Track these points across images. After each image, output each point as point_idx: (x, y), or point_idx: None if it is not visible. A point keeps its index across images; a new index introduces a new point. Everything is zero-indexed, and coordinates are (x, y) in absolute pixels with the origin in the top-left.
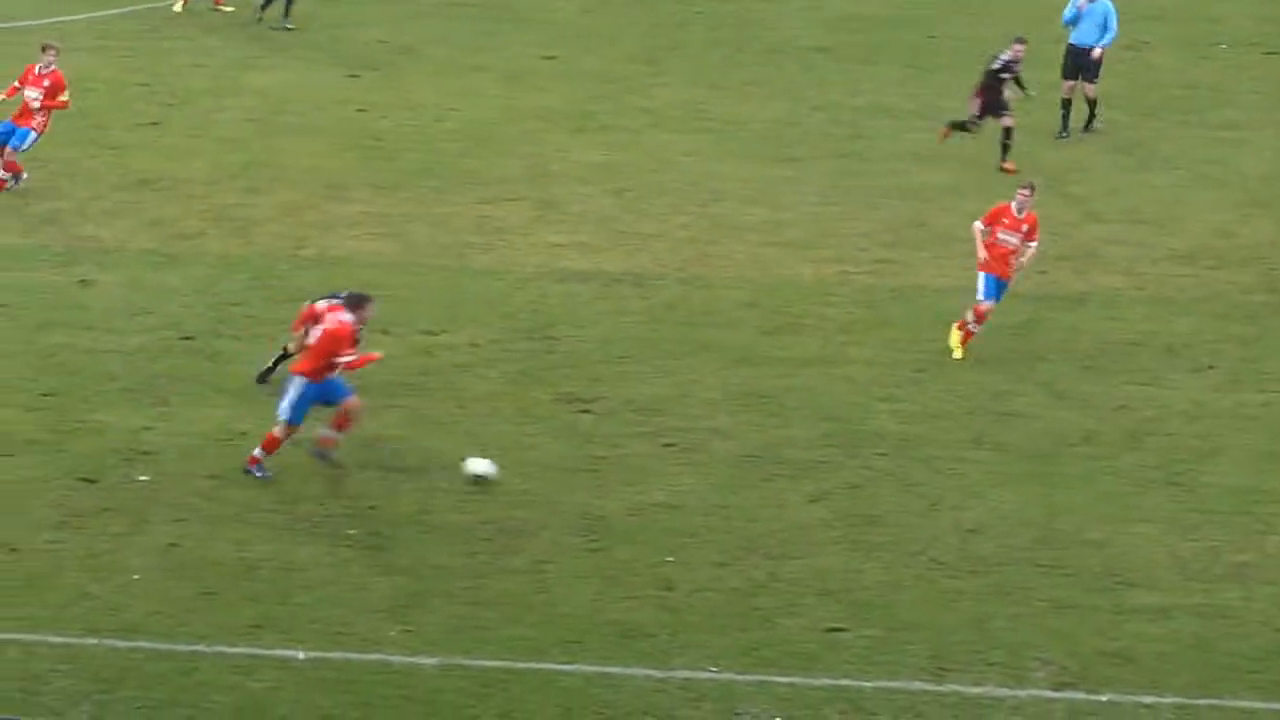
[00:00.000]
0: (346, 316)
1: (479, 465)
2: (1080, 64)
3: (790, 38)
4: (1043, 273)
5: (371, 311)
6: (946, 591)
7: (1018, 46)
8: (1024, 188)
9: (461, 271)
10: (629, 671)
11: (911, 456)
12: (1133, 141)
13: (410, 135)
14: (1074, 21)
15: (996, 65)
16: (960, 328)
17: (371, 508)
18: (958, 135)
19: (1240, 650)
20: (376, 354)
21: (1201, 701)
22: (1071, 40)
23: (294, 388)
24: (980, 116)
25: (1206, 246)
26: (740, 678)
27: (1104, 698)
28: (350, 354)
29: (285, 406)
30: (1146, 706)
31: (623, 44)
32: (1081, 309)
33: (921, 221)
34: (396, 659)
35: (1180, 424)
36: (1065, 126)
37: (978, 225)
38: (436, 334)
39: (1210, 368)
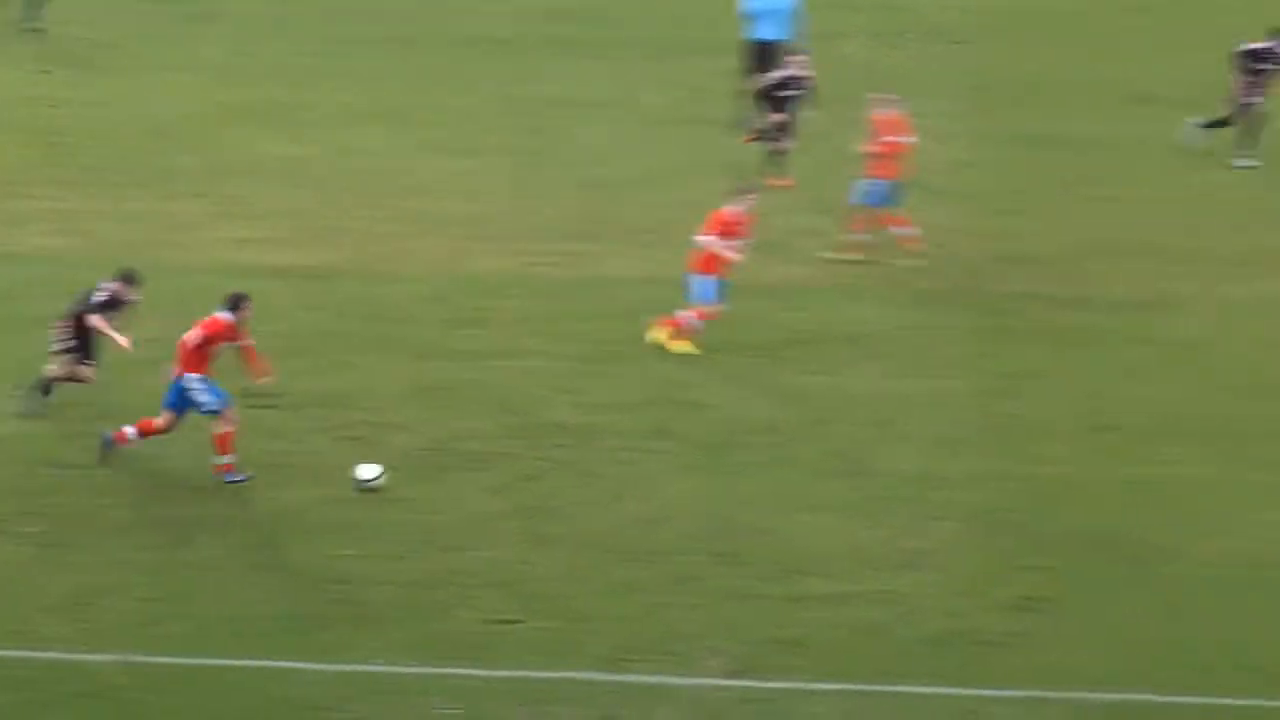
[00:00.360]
0: (225, 315)
1: (368, 471)
2: (765, 57)
3: (478, 30)
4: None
5: (250, 311)
6: (624, 582)
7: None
8: (747, 192)
9: (147, 268)
10: (306, 665)
11: (592, 448)
12: (822, 132)
13: (100, 131)
14: (756, 15)
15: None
16: (669, 325)
17: (49, 505)
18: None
19: (914, 636)
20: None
21: (875, 688)
22: (759, 35)
23: (195, 384)
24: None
25: (889, 236)
26: (416, 670)
27: (776, 685)
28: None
29: (206, 402)
30: (818, 693)
31: (313, 37)
32: (766, 299)
33: (606, 213)
34: (75, 656)
35: (858, 411)
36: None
37: (710, 239)
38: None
39: (886, 357)
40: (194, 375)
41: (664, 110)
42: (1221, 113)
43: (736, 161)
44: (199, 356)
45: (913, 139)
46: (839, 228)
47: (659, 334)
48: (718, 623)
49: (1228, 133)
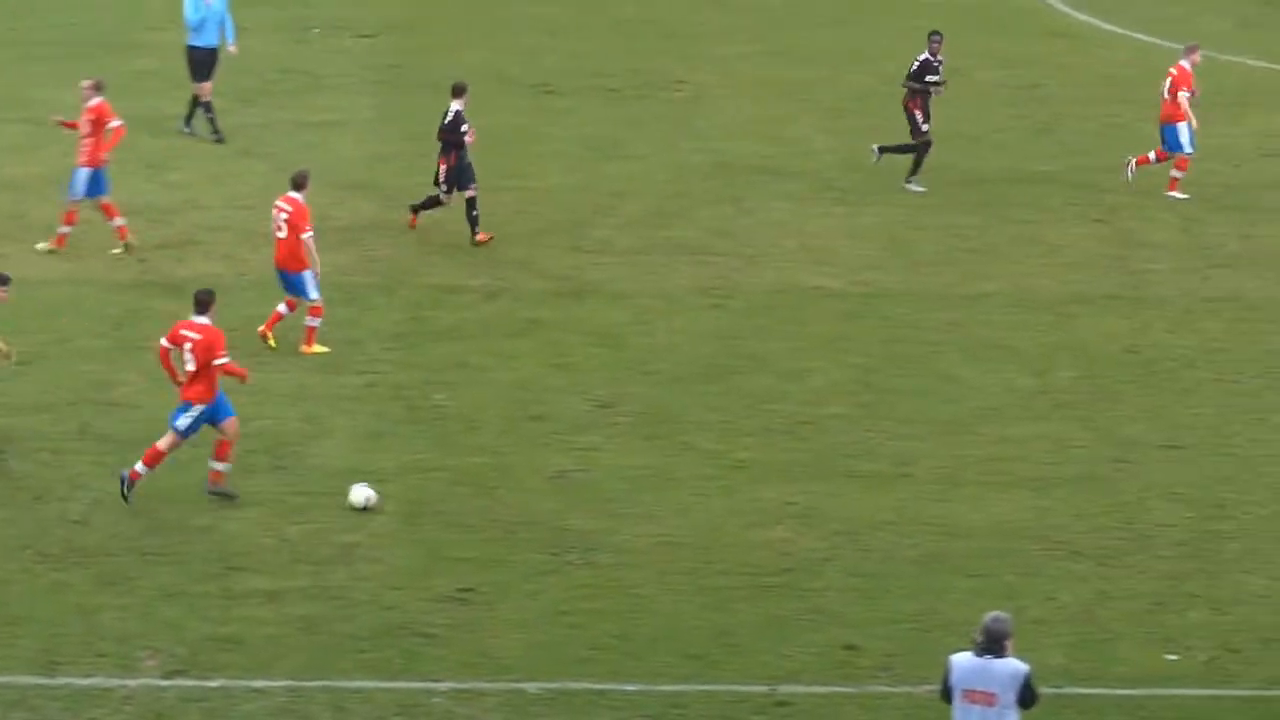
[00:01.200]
0: (204, 319)
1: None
2: (205, 64)
3: None
4: (143, 260)
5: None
6: (53, 584)
7: (455, 102)
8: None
9: None
10: None
11: (16, 450)
12: (233, 128)
13: None
14: (199, 26)
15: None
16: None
17: None
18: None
19: (349, 630)
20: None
21: (312, 683)
22: (197, 43)
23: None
24: (448, 190)
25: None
26: None
27: (215, 683)
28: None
29: (182, 423)
30: (257, 690)
31: None
32: (181, 296)
33: (20, 213)
34: None
35: (284, 408)
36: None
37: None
38: None
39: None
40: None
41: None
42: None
43: (149, 154)
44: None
45: (118, 123)
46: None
47: (307, 349)
48: (152, 623)
49: None
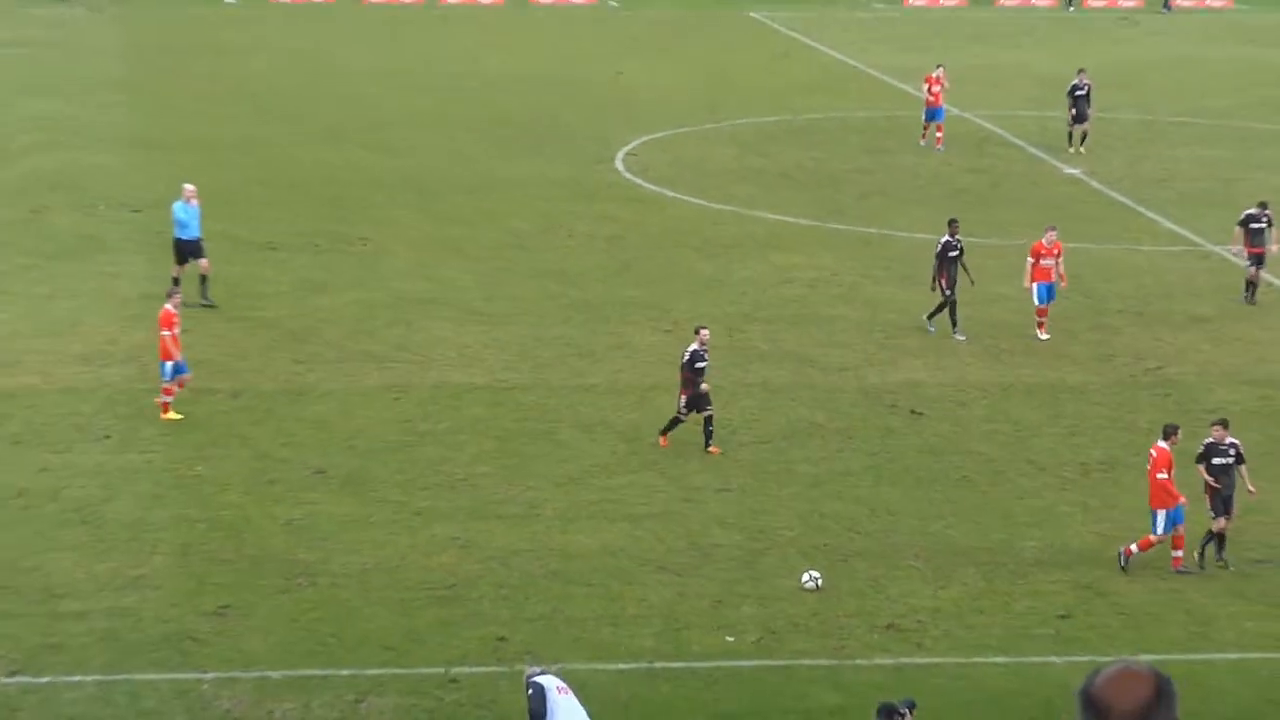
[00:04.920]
0: None
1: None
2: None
3: None
4: None
5: None
6: None
7: (703, 333)
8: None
9: None
10: None
11: None
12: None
13: None
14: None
15: (687, 359)
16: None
17: None
18: None
19: (139, 638)
20: None
21: (114, 677)
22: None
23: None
24: (687, 412)
25: (99, 350)
26: None
27: (44, 680)
28: None
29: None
30: (74, 684)
31: None
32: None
33: None
34: None
35: (85, 478)
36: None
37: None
38: None
39: (107, 437)
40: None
41: None
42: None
43: None
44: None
45: None
46: None
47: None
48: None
49: None
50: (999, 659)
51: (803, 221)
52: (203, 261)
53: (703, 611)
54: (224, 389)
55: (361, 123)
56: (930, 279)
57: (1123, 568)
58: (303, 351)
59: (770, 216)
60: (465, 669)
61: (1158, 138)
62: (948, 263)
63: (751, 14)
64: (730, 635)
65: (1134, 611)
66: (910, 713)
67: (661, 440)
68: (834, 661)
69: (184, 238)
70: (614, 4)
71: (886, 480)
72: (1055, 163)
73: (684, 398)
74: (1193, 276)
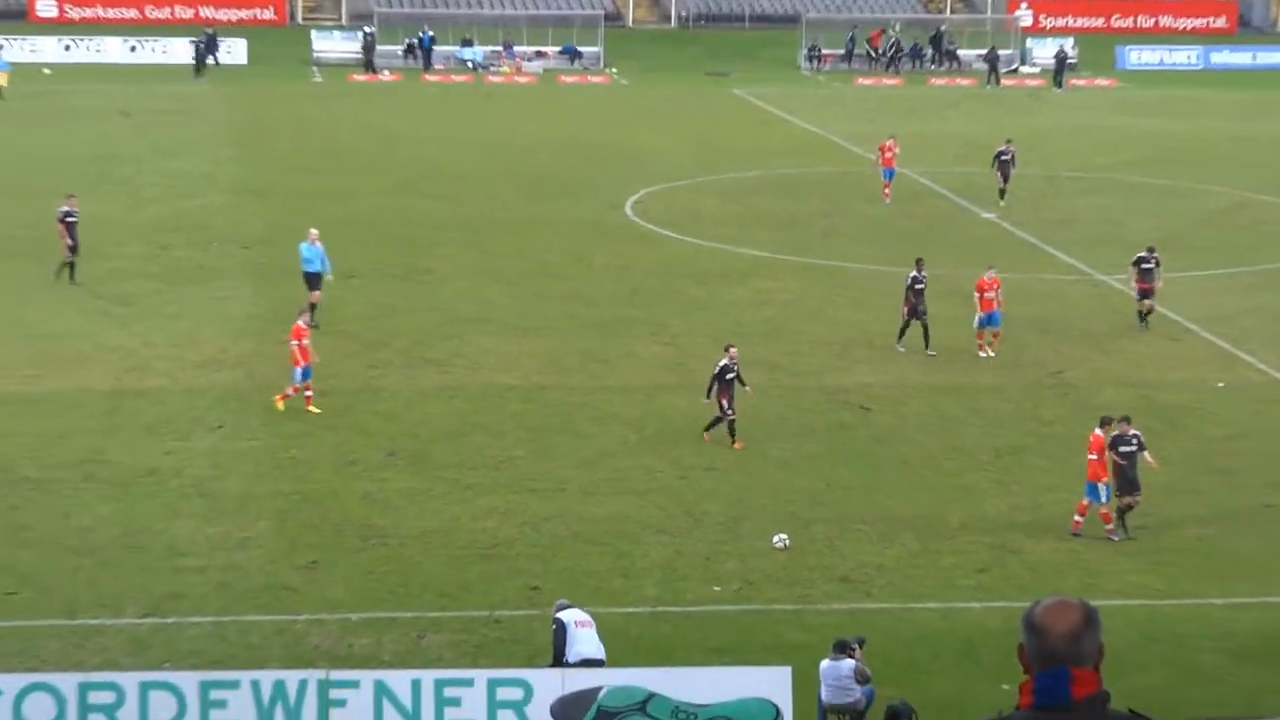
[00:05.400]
0: None
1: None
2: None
3: None
4: None
5: None
6: None
7: (732, 351)
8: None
9: None
10: None
11: None
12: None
13: None
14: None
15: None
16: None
17: None
18: None
19: (247, 588)
20: None
21: (228, 619)
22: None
23: None
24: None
25: (213, 359)
26: None
27: (169, 620)
28: None
29: None
30: (194, 624)
31: None
32: None
33: None
34: None
35: (204, 460)
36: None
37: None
38: None
39: (220, 427)
40: None
41: None
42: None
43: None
44: None
45: None
46: None
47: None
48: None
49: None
50: (932, 605)
51: (776, 256)
52: (315, 292)
53: (695, 566)
54: (315, 389)
55: (424, 178)
56: (901, 305)
57: (1076, 534)
58: (376, 359)
59: (750, 252)
60: (505, 612)
61: (1058, 190)
62: (913, 293)
63: (735, 91)
64: (717, 585)
65: (1039, 566)
66: (860, 647)
67: (705, 436)
68: (799, 607)
69: (309, 271)
70: (624, 83)
71: (841, 463)
72: (976, 209)
73: (724, 400)
74: (1086, 301)
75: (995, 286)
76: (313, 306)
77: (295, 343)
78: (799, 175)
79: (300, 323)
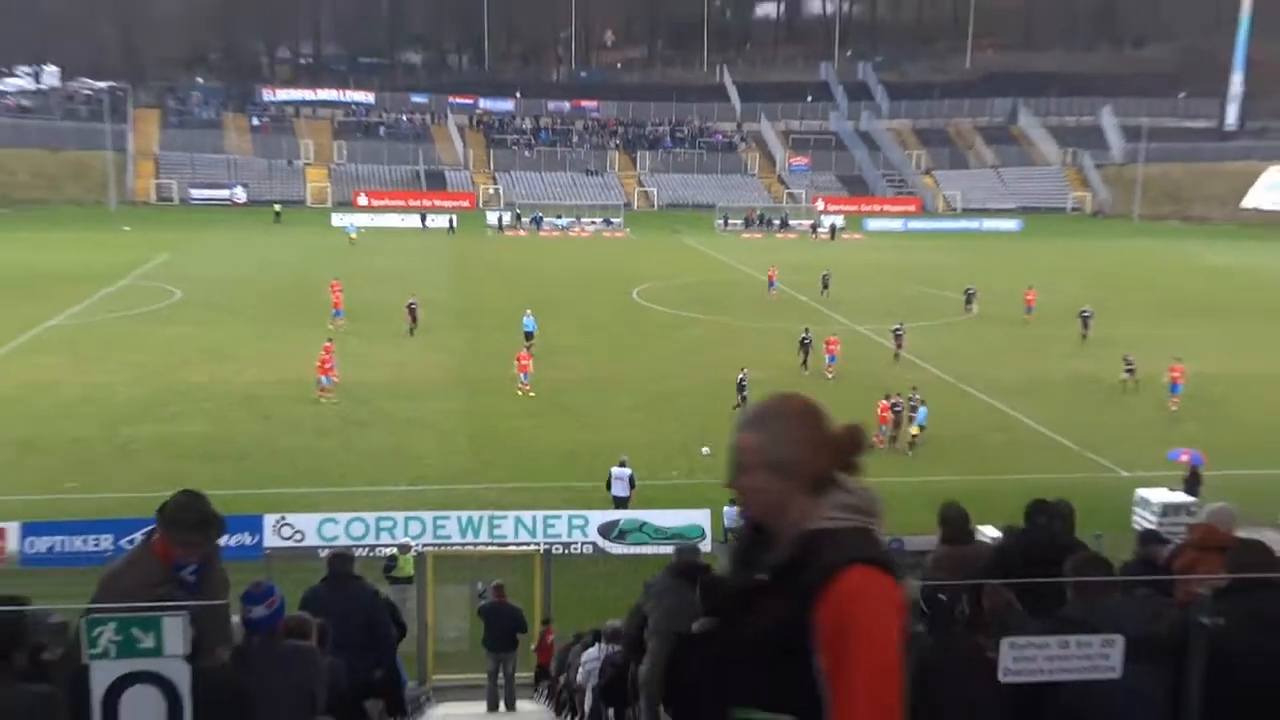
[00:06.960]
0: None
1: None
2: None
3: None
4: None
5: None
6: None
7: (745, 370)
8: None
9: None
10: None
11: None
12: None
13: None
14: None
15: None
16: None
17: None
18: None
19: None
20: None
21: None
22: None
23: None
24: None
25: (442, 379)
26: None
27: (419, 488)
28: None
29: None
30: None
31: None
32: None
33: None
34: None
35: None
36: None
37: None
38: None
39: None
40: None
41: None
42: None
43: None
44: None
45: None
46: None
47: None
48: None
49: None
50: None
51: (722, 318)
52: (529, 341)
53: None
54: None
55: (532, 284)
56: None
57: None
58: (555, 363)
59: (707, 318)
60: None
61: (838, 283)
62: (803, 346)
63: (686, 240)
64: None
65: None
66: None
67: None
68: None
69: (528, 329)
70: (634, 237)
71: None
72: (806, 299)
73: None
74: (858, 343)
75: (835, 343)
76: (529, 346)
77: (517, 363)
78: (721, 280)
79: (523, 353)
